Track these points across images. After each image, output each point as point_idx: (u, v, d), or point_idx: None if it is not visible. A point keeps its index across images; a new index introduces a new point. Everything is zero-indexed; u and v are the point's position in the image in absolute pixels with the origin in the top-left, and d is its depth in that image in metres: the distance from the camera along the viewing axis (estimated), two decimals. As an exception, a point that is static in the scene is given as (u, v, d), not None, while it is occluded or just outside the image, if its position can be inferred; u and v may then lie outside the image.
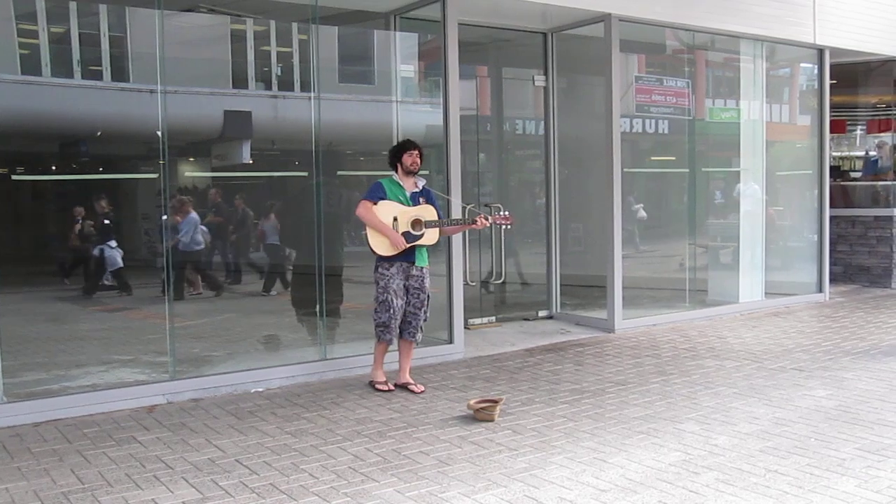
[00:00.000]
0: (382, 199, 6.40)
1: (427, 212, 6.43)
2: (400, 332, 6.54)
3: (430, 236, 6.44)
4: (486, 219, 6.58)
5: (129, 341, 7.05)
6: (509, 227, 7.05)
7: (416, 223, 6.37)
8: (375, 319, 6.44)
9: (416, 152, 6.47)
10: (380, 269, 6.43)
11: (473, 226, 6.54)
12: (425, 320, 6.60)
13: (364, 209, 6.36)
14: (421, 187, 6.53)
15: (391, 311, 6.36)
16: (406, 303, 6.46)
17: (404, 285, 6.43)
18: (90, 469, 4.76)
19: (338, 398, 6.30)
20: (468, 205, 7.69)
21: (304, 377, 6.88)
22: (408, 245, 6.35)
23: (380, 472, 4.63)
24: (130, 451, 5.08)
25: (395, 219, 6.35)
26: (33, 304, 7.30)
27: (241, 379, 6.63)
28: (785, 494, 4.21)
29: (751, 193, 10.49)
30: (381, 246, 6.36)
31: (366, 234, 6.40)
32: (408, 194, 6.45)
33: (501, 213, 6.76)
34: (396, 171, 6.51)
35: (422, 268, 6.49)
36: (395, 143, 6.79)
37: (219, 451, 5.05)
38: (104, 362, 6.80)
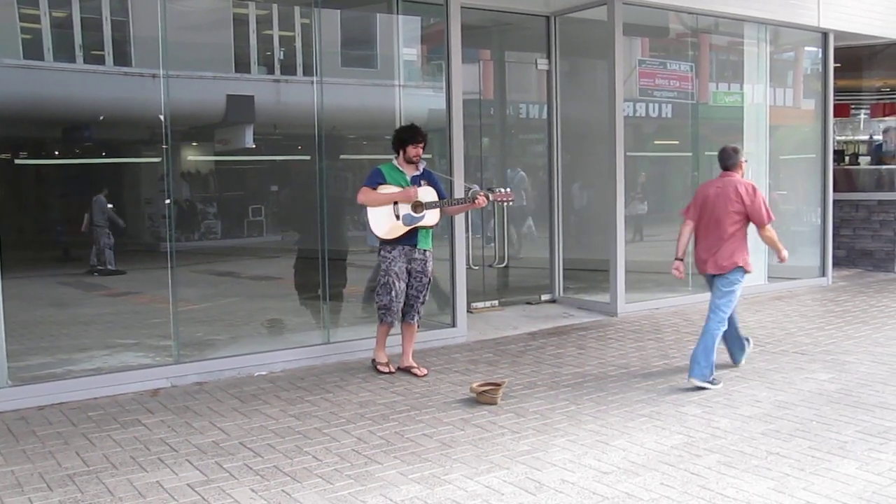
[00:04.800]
0: (382, 184, 6.39)
1: (428, 193, 6.42)
2: (402, 316, 6.55)
3: (432, 217, 6.42)
4: (487, 196, 6.54)
5: (133, 325, 7.07)
6: (510, 203, 7.03)
7: (417, 205, 6.36)
8: (377, 302, 6.46)
9: (423, 146, 6.45)
10: (382, 252, 6.44)
11: (474, 205, 6.51)
12: (423, 303, 6.60)
13: (364, 195, 6.36)
14: (422, 170, 6.51)
15: (392, 293, 6.37)
16: (408, 286, 6.46)
17: (407, 268, 6.44)
18: (95, 451, 4.79)
19: (341, 381, 6.32)
20: (470, 186, 7.66)
21: (308, 360, 6.90)
22: (410, 227, 6.34)
23: (383, 455, 4.65)
24: (135, 433, 5.11)
25: (396, 203, 6.35)
26: (37, 289, 7.32)
27: (245, 362, 6.66)
28: (786, 476, 4.23)
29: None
30: (381, 228, 6.35)
31: (367, 220, 6.40)
32: (408, 178, 6.44)
33: (503, 190, 6.75)
34: (398, 156, 6.49)
35: (424, 251, 6.49)
36: (398, 127, 6.76)
37: (223, 434, 5.08)
38: (108, 346, 6.83)
